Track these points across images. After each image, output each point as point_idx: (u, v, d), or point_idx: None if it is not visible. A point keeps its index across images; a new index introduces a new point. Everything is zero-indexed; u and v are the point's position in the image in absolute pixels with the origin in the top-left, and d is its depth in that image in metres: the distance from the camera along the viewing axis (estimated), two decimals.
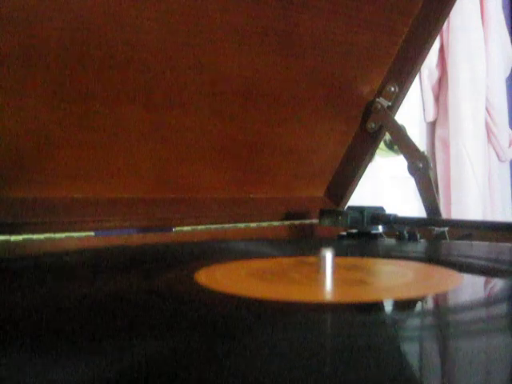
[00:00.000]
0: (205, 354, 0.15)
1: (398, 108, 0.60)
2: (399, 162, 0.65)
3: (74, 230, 0.44)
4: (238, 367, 0.14)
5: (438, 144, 1.12)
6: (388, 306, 0.23)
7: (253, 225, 0.56)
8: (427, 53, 0.57)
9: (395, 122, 0.57)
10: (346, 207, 0.52)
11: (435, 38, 0.57)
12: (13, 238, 0.40)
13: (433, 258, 0.41)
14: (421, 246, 0.47)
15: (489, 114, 1.15)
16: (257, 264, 0.34)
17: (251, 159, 0.55)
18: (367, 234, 0.49)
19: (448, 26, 1.07)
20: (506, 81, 1.23)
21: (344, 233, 0.52)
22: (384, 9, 0.53)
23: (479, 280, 0.30)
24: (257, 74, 0.50)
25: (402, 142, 0.55)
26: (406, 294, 0.25)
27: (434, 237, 0.51)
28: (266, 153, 0.56)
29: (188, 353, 0.15)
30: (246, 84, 0.50)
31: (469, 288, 0.27)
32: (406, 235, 0.49)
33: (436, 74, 1.10)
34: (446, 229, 0.51)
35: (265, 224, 0.57)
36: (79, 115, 0.42)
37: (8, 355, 0.15)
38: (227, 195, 0.55)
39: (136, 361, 0.15)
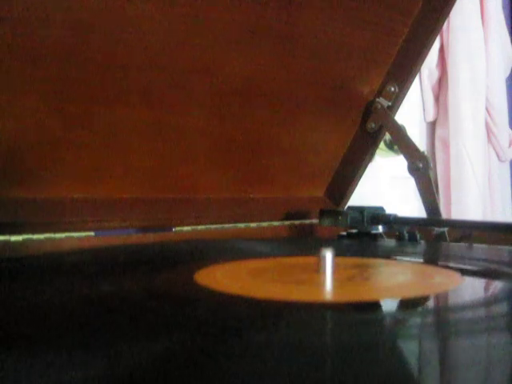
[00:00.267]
0: (205, 353, 0.15)
1: (397, 108, 0.60)
2: (399, 162, 0.65)
3: (74, 230, 0.44)
4: (238, 367, 0.14)
5: (438, 144, 1.12)
6: (387, 306, 0.23)
7: (253, 225, 0.56)
8: (427, 53, 0.57)
9: (395, 122, 0.57)
10: (346, 207, 0.52)
11: (435, 38, 0.57)
12: (13, 238, 0.40)
13: (432, 258, 0.41)
14: (420, 246, 0.47)
15: (489, 114, 1.15)
16: (257, 264, 0.34)
17: (251, 159, 0.55)
18: (367, 234, 0.49)
19: (448, 26, 1.07)
20: (506, 81, 1.23)
21: (344, 233, 0.52)
22: (384, 9, 0.53)
23: (478, 281, 0.30)
24: (257, 74, 0.50)
25: (402, 142, 0.55)
26: (405, 294, 0.25)
27: (433, 237, 0.51)
28: (266, 153, 0.56)
29: (188, 353, 0.15)
30: (246, 84, 0.50)
31: (468, 288, 0.27)
32: (406, 235, 0.49)
33: (436, 74, 1.10)
34: (446, 229, 0.51)
35: (265, 224, 0.57)
36: (79, 115, 0.42)
37: (8, 355, 0.15)
38: (227, 195, 0.55)
39: (136, 361, 0.15)
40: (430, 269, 0.32)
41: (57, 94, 0.40)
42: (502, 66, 1.20)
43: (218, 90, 0.48)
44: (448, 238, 0.50)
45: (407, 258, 0.38)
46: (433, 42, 0.57)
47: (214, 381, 0.13)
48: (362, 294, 0.25)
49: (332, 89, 0.56)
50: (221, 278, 0.29)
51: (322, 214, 0.52)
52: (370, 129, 0.59)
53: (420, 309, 0.23)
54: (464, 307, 0.23)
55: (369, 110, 0.59)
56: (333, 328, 0.19)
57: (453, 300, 0.25)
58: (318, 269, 0.27)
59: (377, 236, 0.49)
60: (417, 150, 0.53)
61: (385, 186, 0.99)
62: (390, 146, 0.94)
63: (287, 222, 0.59)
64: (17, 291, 0.25)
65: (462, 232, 0.50)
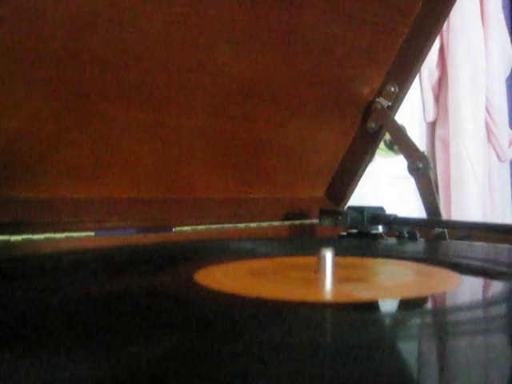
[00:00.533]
0: (205, 353, 0.15)
1: (397, 108, 0.60)
2: (399, 162, 0.65)
3: (74, 230, 0.44)
4: (238, 367, 0.14)
5: (438, 144, 1.12)
6: (387, 306, 0.23)
7: (253, 225, 0.56)
8: (427, 53, 0.57)
9: (395, 122, 0.57)
10: (346, 207, 0.52)
11: (435, 38, 0.57)
12: (13, 238, 0.40)
13: (432, 258, 0.41)
14: (420, 246, 0.47)
15: (489, 114, 1.15)
16: (257, 264, 0.34)
17: (251, 159, 0.55)
18: (367, 234, 0.49)
19: (448, 26, 1.07)
20: (506, 81, 1.23)
21: (344, 233, 0.52)
22: (384, 9, 0.53)
23: (478, 281, 0.30)
24: (257, 74, 0.50)
25: (402, 142, 0.55)
26: (405, 294, 0.25)
27: (433, 237, 0.51)
28: (266, 153, 0.56)
29: (188, 353, 0.15)
30: (246, 84, 0.50)
31: (467, 289, 0.27)
32: (406, 235, 0.49)
33: (436, 74, 1.10)
34: (446, 229, 0.51)
35: (265, 224, 0.57)
36: (79, 115, 0.42)
37: (8, 355, 0.15)
38: (227, 195, 0.55)
39: (135, 361, 0.15)
40: (430, 269, 0.32)
41: (56, 94, 0.40)
42: (502, 66, 1.20)
43: (218, 90, 0.48)
44: (448, 238, 0.50)
45: (407, 258, 0.38)
46: (433, 42, 0.57)
47: (214, 381, 0.13)
48: (362, 294, 0.25)
49: (332, 89, 0.56)
50: (221, 277, 0.29)
51: (322, 213, 0.52)
52: (370, 129, 0.59)
53: (419, 309, 0.23)
54: (463, 307, 0.23)
55: (369, 110, 0.59)
56: (332, 328, 0.19)
57: (452, 300, 0.25)
58: (318, 269, 0.27)
59: (377, 236, 0.49)
60: (417, 149, 0.53)
61: (385, 186, 0.99)
62: (390, 146, 0.94)
63: (287, 222, 0.59)
64: (17, 291, 0.25)
65: (462, 232, 0.50)
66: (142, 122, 0.45)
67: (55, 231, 0.42)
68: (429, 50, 0.57)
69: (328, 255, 0.26)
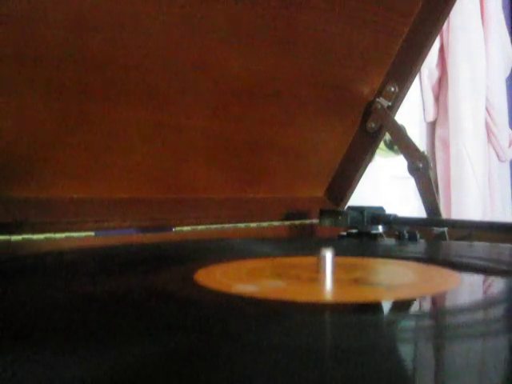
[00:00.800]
0: (204, 354, 0.15)
1: (397, 108, 0.60)
2: (399, 162, 0.65)
3: (74, 230, 0.44)
4: (238, 367, 0.14)
5: (438, 144, 1.12)
6: (387, 306, 0.23)
7: (253, 225, 0.56)
8: (427, 53, 0.57)
9: (395, 122, 0.57)
10: (346, 207, 0.52)
11: (435, 38, 0.57)
12: (13, 238, 0.40)
13: (432, 258, 0.41)
14: (420, 246, 0.47)
15: (489, 114, 1.15)
16: (256, 263, 0.34)
17: (251, 159, 0.55)
18: (367, 234, 0.49)
19: (448, 26, 1.07)
20: (506, 81, 1.23)
21: (344, 233, 0.52)
22: (384, 9, 0.53)
23: (478, 281, 0.30)
24: (257, 74, 0.50)
25: (402, 142, 0.55)
26: (405, 294, 0.25)
27: (433, 237, 0.51)
28: (266, 153, 0.56)
29: (188, 353, 0.15)
30: (246, 84, 0.50)
31: (468, 289, 0.27)
32: (406, 235, 0.49)
33: (436, 74, 1.10)
34: (446, 229, 0.51)
35: (265, 224, 0.57)
36: (79, 115, 0.42)
37: (8, 355, 0.15)
38: (227, 195, 0.55)
39: (135, 361, 0.15)
40: (430, 268, 0.32)
41: (56, 94, 0.40)
42: (502, 66, 1.20)
43: (218, 90, 0.48)
44: (448, 238, 0.50)
45: (407, 258, 0.38)
46: (433, 42, 0.57)
47: (214, 381, 0.13)
48: (362, 295, 0.25)
49: (332, 89, 0.56)
50: (220, 277, 0.29)
51: (322, 214, 0.52)
52: (370, 129, 0.59)
53: (419, 309, 0.23)
54: (463, 308, 0.23)
55: (369, 110, 0.59)
56: (332, 328, 0.19)
57: (452, 300, 0.25)
58: (318, 269, 0.27)
59: (377, 236, 0.49)
60: (417, 149, 0.53)
61: (385, 186, 0.99)
62: (390, 146, 0.94)
63: (287, 222, 0.59)
64: (17, 291, 0.25)
65: (462, 232, 0.50)
66: (142, 122, 0.45)
67: (55, 231, 0.42)
68: (429, 50, 0.57)
69: (328, 255, 0.26)
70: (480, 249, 0.43)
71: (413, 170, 0.53)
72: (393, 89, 0.58)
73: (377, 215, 0.49)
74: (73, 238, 0.43)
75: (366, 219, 0.49)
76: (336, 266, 0.27)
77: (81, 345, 0.16)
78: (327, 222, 0.51)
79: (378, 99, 0.58)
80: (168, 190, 0.51)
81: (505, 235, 0.44)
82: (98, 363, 0.14)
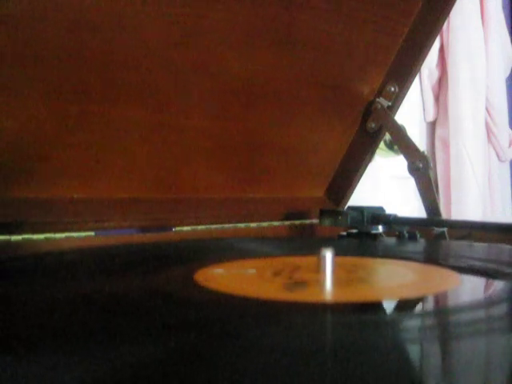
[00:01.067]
0: (204, 354, 0.15)
1: (397, 108, 0.60)
2: (399, 162, 0.65)
3: (74, 230, 0.44)
4: (238, 367, 0.14)
5: (438, 144, 1.12)
6: (387, 306, 0.23)
7: (253, 225, 0.56)
8: (427, 53, 0.57)
9: (395, 122, 0.57)
10: (345, 207, 0.52)
11: (435, 38, 0.57)
12: (13, 238, 0.40)
13: (432, 258, 0.41)
14: (420, 246, 0.47)
15: (489, 114, 1.15)
16: (256, 263, 0.34)
17: (251, 159, 0.55)
18: (367, 234, 0.49)
19: (448, 26, 1.07)
20: (506, 81, 1.23)
21: (344, 233, 0.52)
22: (384, 9, 0.53)
23: (478, 280, 0.30)
24: (257, 74, 0.50)
25: (402, 142, 0.55)
26: (405, 294, 0.25)
27: (433, 237, 0.51)
28: (266, 153, 0.56)
29: (187, 353, 0.15)
30: (246, 84, 0.50)
31: (468, 288, 0.27)
32: (406, 235, 0.49)
33: (436, 74, 1.10)
34: (446, 229, 0.51)
35: (265, 224, 0.57)
36: (79, 115, 0.42)
37: (8, 355, 0.15)
38: (227, 195, 0.55)
39: (135, 361, 0.15)
40: (430, 268, 0.32)
41: (56, 94, 0.40)
42: (502, 66, 1.20)
43: (218, 90, 0.48)
44: (448, 238, 0.50)
45: (407, 258, 0.38)
46: (433, 41, 0.57)
47: (213, 381, 0.13)
48: (362, 294, 0.25)
49: (332, 89, 0.56)
50: (220, 277, 0.29)
51: (322, 213, 0.52)
52: (370, 129, 0.59)
53: (419, 309, 0.23)
54: (463, 307, 0.23)
55: (369, 110, 0.59)
56: (332, 328, 0.19)
57: (452, 300, 0.25)
58: (318, 269, 0.27)
59: (377, 236, 0.49)
60: (417, 149, 0.53)
61: (385, 186, 0.99)
62: (390, 146, 0.94)
63: (287, 222, 0.59)
64: (17, 291, 0.25)
65: (462, 232, 0.50)
66: (142, 122, 0.45)
67: (55, 231, 0.42)
68: (429, 50, 0.57)
69: (328, 255, 0.26)
70: (480, 249, 0.43)
71: (413, 170, 0.53)
72: (393, 89, 0.58)
73: (377, 215, 0.49)
74: (73, 237, 0.43)
75: (366, 219, 0.49)
76: (336, 266, 0.27)
77: (81, 345, 0.16)
78: (327, 222, 0.51)
79: (378, 99, 0.58)
80: (168, 190, 0.51)
81: (505, 235, 0.44)
82: (98, 363, 0.14)
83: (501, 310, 0.22)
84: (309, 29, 0.50)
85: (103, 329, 0.18)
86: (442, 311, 0.23)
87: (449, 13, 0.56)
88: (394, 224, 0.49)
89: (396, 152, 0.94)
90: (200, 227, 0.52)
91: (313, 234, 0.60)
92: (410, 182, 0.54)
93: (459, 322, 0.20)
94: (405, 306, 0.23)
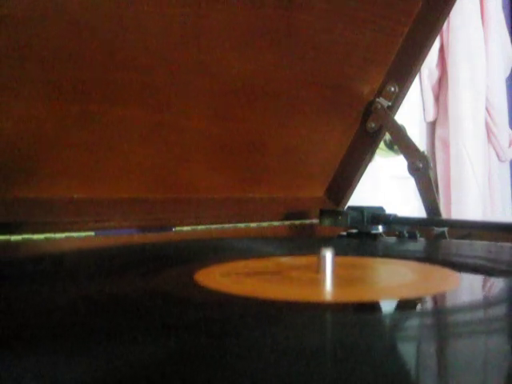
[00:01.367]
0: (204, 354, 0.15)
1: (398, 108, 0.60)
2: (399, 162, 0.65)
3: (74, 230, 0.44)
4: (238, 367, 0.14)
5: (438, 144, 1.12)
6: (387, 306, 0.23)
7: (253, 225, 0.56)
8: (427, 53, 0.57)
9: (395, 122, 0.57)
10: (345, 207, 0.52)
11: (435, 38, 0.57)
12: (13, 238, 0.40)
13: (432, 257, 0.41)
14: (420, 245, 0.47)
15: (489, 114, 1.15)
16: (256, 263, 0.34)
17: (251, 159, 0.55)
18: (367, 234, 0.49)
19: (448, 26, 1.07)
20: (506, 81, 1.23)
21: (344, 233, 0.52)
22: (384, 9, 0.53)
23: (478, 280, 0.30)
24: (257, 74, 0.50)
25: (402, 142, 0.55)
26: (405, 294, 0.25)
27: (433, 237, 0.51)
28: (266, 153, 0.56)
29: (187, 353, 0.15)
30: (246, 84, 0.50)
31: (468, 288, 0.27)
32: (406, 235, 0.49)
33: (436, 74, 1.10)
34: (446, 229, 0.51)
35: (265, 224, 0.57)
36: (79, 115, 0.42)
37: (8, 355, 0.15)
38: (227, 195, 0.55)
39: (135, 361, 0.15)
40: (430, 268, 0.32)
41: (56, 94, 0.40)
42: (502, 66, 1.20)
43: (218, 90, 0.48)
44: (448, 238, 0.50)
45: (407, 258, 0.38)
46: (433, 41, 0.57)
47: (214, 381, 0.13)
48: (362, 294, 0.25)
49: (332, 89, 0.56)
50: (221, 278, 0.29)
51: (322, 214, 0.52)
52: (370, 129, 0.59)
53: (419, 309, 0.23)
54: (464, 307, 0.23)
55: (369, 110, 0.59)
56: (332, 328, 0.19)
57: (452, 300, 0.25)
58: (318, 269, 0.27)
59: (377, 236, 0.49)
60: (417, 149, 0.53)
61: (385, 186, 0.99)
62: (390, 146, 0.94)
63: (287, 222, 0.59)
64: (17, 291, 0.25)
65: (462, 232, 0.50)
66: (142, 122, 0.45)
67: (55, 231, 0.42)
68: (429, 50, 0.57)
69: (328, 255, 0.26)
70: (480, 248, 0.43)
71: (413, 170, 0.53)
72: (393, 89, 0.58)
73: (377, 215, 0.49)
74: (73, 237, 0.43)
75: (366, 219, 0.49)
76: (336, 266, 0.27)
77: (81, 345, 0.16)
78: (327, 222, 0.51)
79: (378, 99, 0.58)
80: (168, 190, 0.50)
81: (505, 235, 0.44)
82: (99, 363, 0.14)
83: (501, 309, 0.22)
84: (309, 29, 0.50)
85: (103, 329, 0.18)
86: (442, 311, 0.23)
87: (449, 13, 0.56)
88: (394, 224, 0.49)
89: (396, 152, 0.94)
90: (200, 227, 0.52)
91: (313, 233, 0.60)
92: (410, 182, 0.54)
93: (459, 321, 0.20)
94: (405, 305, 0.23)
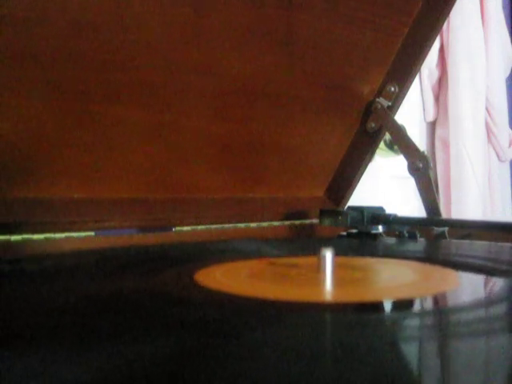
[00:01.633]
0: (205, 354, 0.15)
1: (398, 108, 0.60)
2: (399, 162, 0.65)
3: (74, 230, 0.44)
4: (238, 367, 0.14)
5: (438, 144, 1.12)
6: (387, 306, 0.23)
7: (253, 225, 0.56)
8: (427, 53, 0.57)
9: (395, 122, 0.57)
10: (345, 207, 0.52)
11: (435, 38, 0.57)
12: (13, 238, 0.40)
13: (432, 257, 0.41)
14: (420, 245, 0.47)
15: (489, 114, 1.15)
16: (256, 264, 0.34)
17: (251, 159, 0.55)
18: (367, 234, 0.49)
19: (448, 26, 1.07)
20: (506, 81, 1.23)
21: (344, 233, 0.52)
22: (384, 9, 0.53)
23: (478, 280, 0.30)
24: (257, 74, 0.50)
25: (402, 142, 0.55)
26: (405, 293, 0.25)
27: (433, 237, 0.51)
28: (266, 153, 0.56)
29: (188, 353, 0.15)
30: (246, 84, 0.50)
31: (468, 288, 0.27)
32: (406, 235, 0.49)
33: (436, 74, 1.10)
34: (446, 228, 0.51)
35: (265, 224, 0.57)
36: (79, 115, 0.42)
37: (8, 355, 0.15)
38: (227, 195, 0.55)
39: (135, 361, 0.15)
40: (430, 268, 0.32)
41: (57, 94, 0.40)
42: (502, 66, 1.20)
43: (218, 90, 0.48)
44: (448, 238, 0.50)
45: (407, 258, 0.38)
46: (433, 41, 0.57)
47: (214, 381, 0.13)
48: (362, 294, 0.25)
49: (332, 89, 0.56)
50: (220, 277, 0.29)
51: (322, 213, 0.52)
52: (370, 129, 0.59)
53: (420, 309, 0.23)
54: (464, 307, 0.23)
55: (369, 110, 0.59)
56: (332, 328, 0.19)
57: (453, 300, 0.25)
58: (318, 269, 0.27)
59: (377, 236, 0.49)
60: (417, 149, 0.53)
61: (385, 186, 0.99)
62: (390, 146, 0.94)
63: (287, 222, 0.59)
64: (17, 291, 0.25)
65: (462, 232, 0.50)
66: (142, 122, 0.45)
67: (55, 231, 0.42)
68: (429, 50, 0.57)
69: (328, 255, 0.26)
70: (480, 248, 0.43)
71: (413, 170, 0.53)
72: (393, 89, 0.58)
73: (377, 215, 0.49)
74: (73, 237, 0.43)
75: (366, 219, 0.49)
76: (336, 266, 0.27)
77: (81, 345, 0.16)
78: (327, 222, 0.51)
79: (378, 99, 0.58)
80: (168, 190, 0.50)
81: (505, 235, 0.44)
82: (99, 363, 0.14)
83: (501, 309, 0.22)
84: (309, 29, 0.50)
85: (103, 329, 0.18)
86: (442, 311, 0.23)
87: (449, 13, 0.56)
88: (394, 224, 0.49)
89: (396, 152, 0.94)
90: (200, 227, 0.52)
91: (313, 233, 0.60)
92: (410, 182, 0.54)
93: (459, 321, 0.20)
94: (405, 305, 0.23)
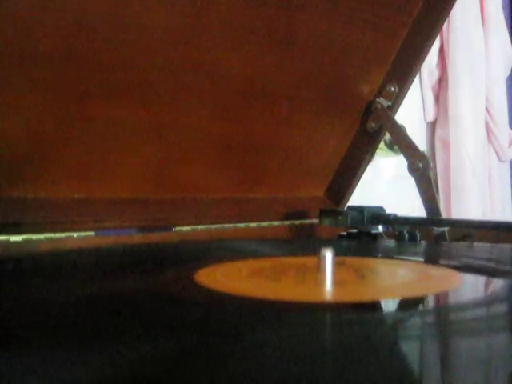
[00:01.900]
0: (204, 354, 0.15)
1: (397, 108, 0.60)
2: (399, 162, 0.65)
3: (74, 230, 0.44)
4: (238, 367, 0.14)
5: (437, 144, 1.12)
6: (387, 307, 0.23)
7: (253, 225, 0.56)
8: (427, 53, 0.57)
9: (395, 122, 0.57)
10: (345, 207, 0.52)
11: (435, 38, 0.57)
12: (13, 238, 0.40)
13: (432, 258, 0.41)
14: (420, 245, 0.47)
15: (489, 114, 1.15)
16: (257, 264, 0.34)
17: (251, 159, 0.55)
18: (367, 234, 0.49)
19: (448, 26, 1.07)
20: (506, 81, 1.23)
21: (344, 233, 0.51)
22: (384, 9, 0.53)
23: (479, 280, 0.30)
24: (257, 74, 0.50)
25: (402, 142, 0.55)
26: (405, 294, 0.25)
27: (433, 237, 0.51)
28: (266, 153, 0.56)
29: (187, 353, 0.15)
30: (246, 84, 0.50)
31: (468, 288, 0.27)
32: (406, 235, 0.49)
33: (436, 74, 1.10)
34: (446, 229, 0.51)
35: (265, 224, 0.57)
36: (79, 115, 0.42)
37: (7, 355, 0.15)
38: (227, 195, 0.55)
39: (135, 361, 0.15)
40: (430, 268, 0.32)
41: (57, 94, 0.40)
42: (502, 66, 1.20)
43: (218, 90, 0.48)
44: (448, 238, 0.50)
45: (407, 258, 0.38)
46: (433, 41, 0.57)
47: (214, 381, 0.13)
48: (362, 295, 0.25)
49: (332, 89, 0.56)
50: (221, 277, 0.29)
51: (322, 213, 0.52)
52: (370, 129, 0.59)
53: (420, 309, 0.23)
54: (464, 307, 0.23)
55: (369, 110, 0.59)
56: (332, 328, 0.19)
57: (453, 300, 0.25)
58: (318, 269, 0.27)
59: (377, 236, 0.49)
60: (417, 149, 0.53)
61: (385, 186, 0.99)
62: (390, 146, 0.94)
63: (287, 222, 0.59)
64: (17, 291, 0.25)
65: (462, 232, 0.50)
66: (142, 122, 0.45)
67: (55, 231, 0.42)
68: (429, 50, 0.57)
69: (328, 255, 0.26)
70: (480, 248, 0.43)
71: (413, 170, 0.53)
72: (393, 89, 0.58)
73: (377, 215, 0.49)
74: (73, 237, 0.43)
75: (365, 219, 0.49)
76: (336, 266, 0.27)
77: (81, 345, 0.16)
78: (327, 222, 0.51)
79: (377, 99, 0.58)
80: (168, 190, 0.50)
81: (505, 235, 0.44)
82: (98, 363, 0.14)
83: (502, 309, 0.22)
84: (309, 29, 0.50)
85: (103, 329, 0.18)
86: (443, 311, 0.23)
87: (449, 13, 0.56)
88: (394, 224, 0.49)
89: (396, 152, 0.94)
90: (200, 227, 0.52)
91: (313, 234, 0.60)
92: (410, 182, 0.54)
93: (459, 321, 0.20)
94: (405, 305, 0.23)
